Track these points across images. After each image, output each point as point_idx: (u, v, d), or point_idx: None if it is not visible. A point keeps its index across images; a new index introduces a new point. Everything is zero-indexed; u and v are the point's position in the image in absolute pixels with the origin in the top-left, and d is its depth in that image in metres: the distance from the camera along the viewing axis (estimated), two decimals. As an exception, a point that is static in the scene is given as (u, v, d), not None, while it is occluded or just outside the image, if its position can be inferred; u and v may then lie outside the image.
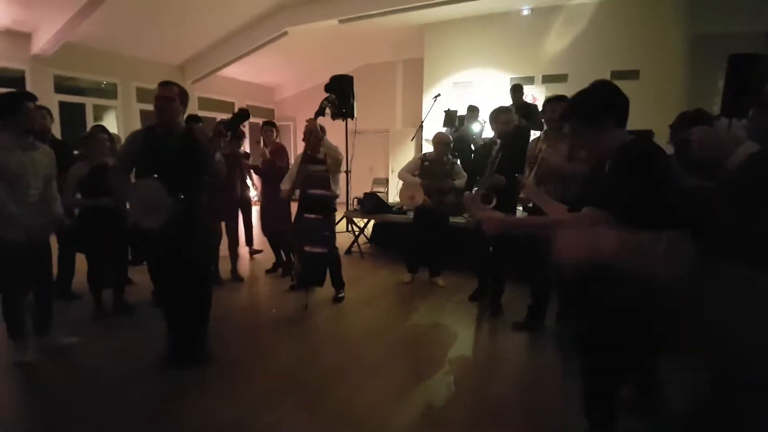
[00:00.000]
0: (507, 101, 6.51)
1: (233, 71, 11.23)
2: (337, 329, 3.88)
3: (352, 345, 3.52)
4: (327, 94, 4.36)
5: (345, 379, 2.96)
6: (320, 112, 4.06)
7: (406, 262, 5.24)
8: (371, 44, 10.87)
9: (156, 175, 2.79)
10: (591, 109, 1.78)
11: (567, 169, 3.23)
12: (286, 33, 9.20)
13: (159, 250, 2.96)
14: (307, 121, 4.06)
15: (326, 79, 6.06)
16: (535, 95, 8.37)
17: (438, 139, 4.86)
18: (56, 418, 2.55)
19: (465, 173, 4.81)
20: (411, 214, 5.29)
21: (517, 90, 6.74)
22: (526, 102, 6.91)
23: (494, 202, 3.47)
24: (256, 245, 6.27)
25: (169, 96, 2.81)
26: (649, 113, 5.21)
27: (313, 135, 3.99)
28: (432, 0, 7.84)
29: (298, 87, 13.20)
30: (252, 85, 12.97)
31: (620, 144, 1.71)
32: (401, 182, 5.07)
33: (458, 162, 5.10)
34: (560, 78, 8.70)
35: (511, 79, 7.11)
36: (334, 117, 6.72)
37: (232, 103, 12.42)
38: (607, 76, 8.09)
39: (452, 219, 5.11)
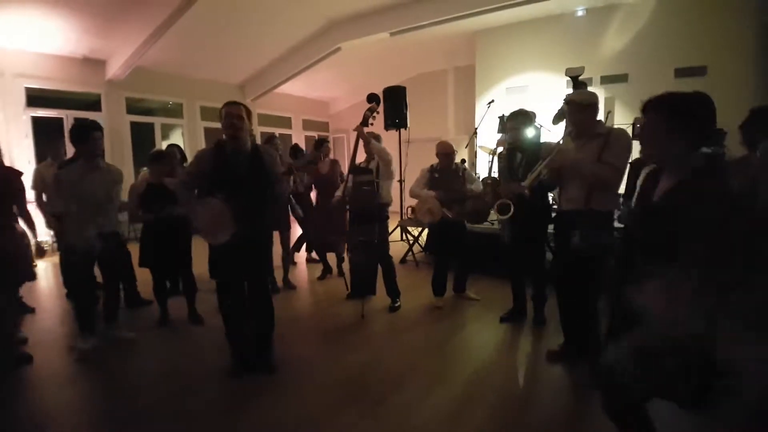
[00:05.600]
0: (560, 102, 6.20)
1: (290, 88, 11.63)
2: (395, 339, 3.87)
3: (410, 355, 3.51)
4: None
5: (405, 390, 2.95)
6: (364, 122, 4.14)
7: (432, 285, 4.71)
8: (422, 54, 10.92)
9: (222, 192, 2.94)
10: (682, 114, 1.66)
11: (587, 169, 2.84)
12: (339, 48, 9.44)
13: (224, 262, 3.13)
14: (355, 129, 4.24)
15: (379, 91, 6.13)
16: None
17: (440, 148, 4.55)
18: (122, 417, 2.68)
19: (478, 179, 4.74)
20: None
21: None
22: None
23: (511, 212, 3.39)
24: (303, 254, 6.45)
25: (237, 113, 2.97)
26: (719, 112, 4.89)
27: (361, 139, 4.19)
28: (482, 7, 7.79)
29: (352, 100, 13.45)
30: (307, 100, 13.36)
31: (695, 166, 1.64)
32: (416, 200, 4.60)
33: (467, 168, 4.76)
34: (620, 78, 8.38)
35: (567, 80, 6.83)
36: (387, 128, 6.81)
37: (289, 118, 12.85)
38: (671, 75, 7.75)
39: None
